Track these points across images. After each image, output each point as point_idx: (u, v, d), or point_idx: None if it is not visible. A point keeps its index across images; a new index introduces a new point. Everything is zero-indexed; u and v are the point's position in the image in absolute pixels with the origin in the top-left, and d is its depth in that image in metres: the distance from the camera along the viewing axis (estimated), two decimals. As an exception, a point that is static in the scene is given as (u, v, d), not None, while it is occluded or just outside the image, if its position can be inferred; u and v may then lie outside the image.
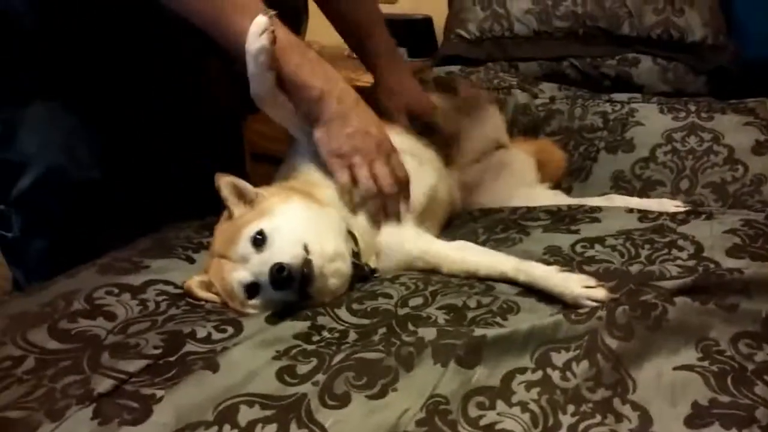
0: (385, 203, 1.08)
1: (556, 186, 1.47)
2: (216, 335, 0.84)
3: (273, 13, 0.99)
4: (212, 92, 1.37)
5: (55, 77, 1.16)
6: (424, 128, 1.29)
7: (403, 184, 1.10)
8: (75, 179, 1.19)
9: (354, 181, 1.06)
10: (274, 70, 1.00)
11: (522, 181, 1.42)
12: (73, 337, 0.83)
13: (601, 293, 0.88)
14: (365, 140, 1.06)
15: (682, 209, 1.21)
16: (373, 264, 1.05)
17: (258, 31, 0.97)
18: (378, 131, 1.08)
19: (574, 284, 0.90)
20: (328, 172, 1.08)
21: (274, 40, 0.98)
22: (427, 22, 2.37)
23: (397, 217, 1.09)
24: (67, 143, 1.18)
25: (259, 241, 0.93)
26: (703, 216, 1.12)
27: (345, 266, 0.96)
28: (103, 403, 0.72)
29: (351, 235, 1.01)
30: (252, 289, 0.92)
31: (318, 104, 1.04)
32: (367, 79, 1.53)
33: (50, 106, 1.16)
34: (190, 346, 0.82)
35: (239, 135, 1.60)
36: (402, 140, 1.17)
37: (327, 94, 1.04)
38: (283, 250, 0.90)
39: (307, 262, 0.89)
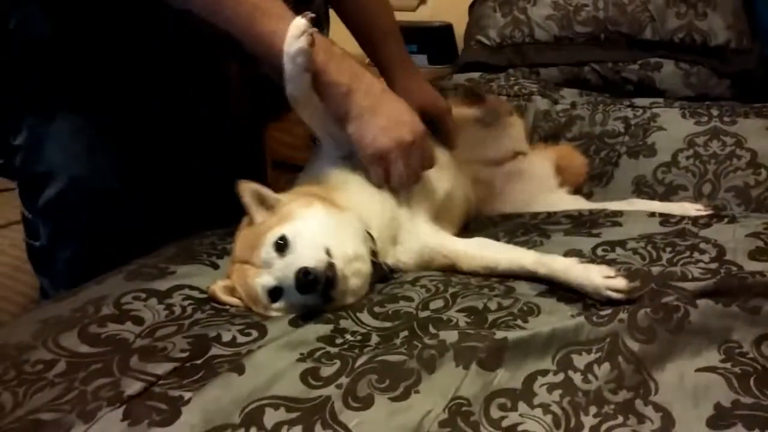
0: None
1: (578, 191, 1.47)
2: (241, 338, 0.86)
3: (311, 15, 1.01)
4: (232, 99, 1.39)
5: (76, 90, 1.19)
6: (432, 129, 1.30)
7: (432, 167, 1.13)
8: (98, 189, 1.21)
9: (387, 177, 1.08)
10: (310, 72, 1.02)
11: (542, 187, 1.43)
12: (102, 341, 0.86)
13: (621, 283, 0.88)
14: (399, 130, 1.07)
15: (704, 213, 1.21)
16: (391, 259, 1.06)
17: (297, 33, 0.99)
18: (410, 117, 1.09)
19: (595, 275, 0.90)
20: (348, 175, 1.10)
21: (312, 42, 1.00)
22: (448, 29, 2.38)
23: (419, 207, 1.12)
24: (90, 154, 1.20)
25: (282, 246, 0.94)
26: (726, 219, 1.12)
27: (365, 267, 0.98)
28: (132, 405, 0.73)
29: (369, 235, 1.02)
30: (275, 293, 0.94)
31: (346, 100, 1.05)
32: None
33: (73, 118, 1.19)
34: (215, 350, 0.83)
35: (260, 143, 1.62)
36: None
37: (354, 89, 1.05)
38: (307, 254, 0.91)
39: (330, 266, 0.90)
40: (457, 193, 1.24)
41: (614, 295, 0.87)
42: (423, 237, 1.09)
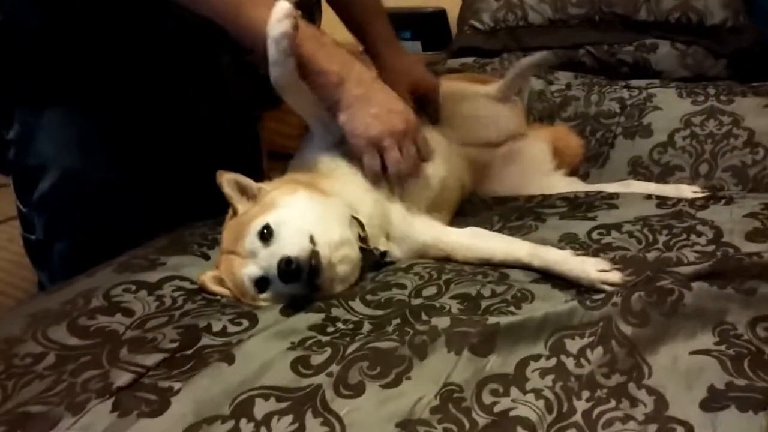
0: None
1: (573, 173, 1.46)
2: (231, 328, 0.85)
3: (294, 0, 1.00)
4: (225, 90, 1.37)
5: (67, 81, 1.18)
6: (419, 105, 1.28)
7: (428, 160, 1.11)
8: (92, 181, 1.21)
9: (382, 165, 1.06)
10: (295, 56, 1.00)
11: (538, 169, 1.41)
12: (92, 333, 0.85)
13: (616, 276, 0.87)
14: (392, 119, 1.05)
15: (700, 195, 1.19)
16: (383, 247, 1.05)
17: (280, 16, 0.97)
18: (402, 107, 1.08)
19: (590, 268, 0.89)
20: (338, 162, 1.09)
21: (296, 26, 0.98)
22: (441, 14, 2.36)
23: (413, 202, 1.11)
24: (83, 146, 1.20)
25: (266, 235, 0.93)
26: (723, 201, 1.11)
27: (352, 252, 0.97)
28: (122, 396, 0.73)
29: (357, 221, 1.01)
30: (262, 283, 0.93)
31: (337, 89, 1.04)
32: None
33: (64, 110, 1.18)
34: (206, 340, 0.83)
35: (255, 133, 1.61)
36: None
37: (345, 78, 1.04)
38: (290, 243, 0.90)
39: (314, 254, 0.89)
40: (451, 181, 1.23)
41: (609, 288, 0.86)
42: (416, 233, 1.07)
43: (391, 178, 1.07)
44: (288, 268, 0.87)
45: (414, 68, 1.33)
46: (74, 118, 1.19)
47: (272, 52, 0.98)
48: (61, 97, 1.18)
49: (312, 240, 0.91)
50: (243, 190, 1.02)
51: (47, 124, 1.18)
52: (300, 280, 0.88)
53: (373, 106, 1.05)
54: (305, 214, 0.96)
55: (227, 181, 1.01)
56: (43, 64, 1.16)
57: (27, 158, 1.20)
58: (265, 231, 0.93)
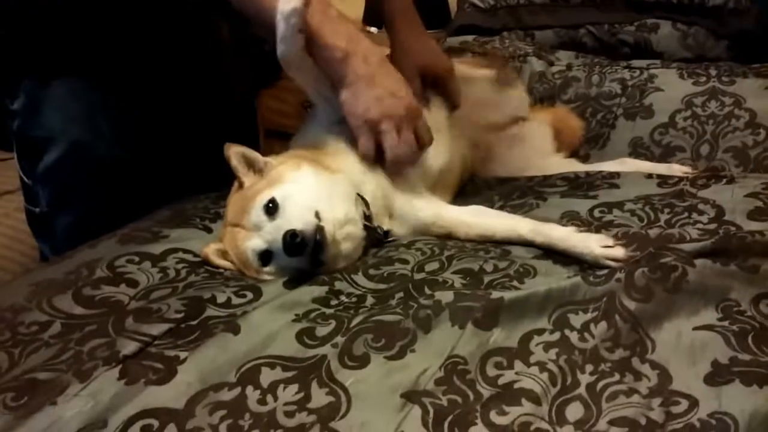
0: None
1: (573, 154, 1.46)
2: (236, 300, 0.85)
3: None
4: (224, 64, 1.36)
5: (72, 53, 1.16)
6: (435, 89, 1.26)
7: (426, 147, 1.09)
8: (99, 155, 1.20)
9: (379, 148, 1.05)
10: (304, 33, 0.99)
11: (539, 152, 1.42)
12: (97, 302, 0.85)
13: (620, 252, 0.88)
14: (393, 104, 1.04)
15: (690, 173, 1.20)
16: (386, 226, 1.05)
17: None
18: (406, 92, 1.07)
19: (594, 244, 0.90)
20: (342, 141, 1.08)
21: (307, 2, 0.97)
22: (441, -8, 2.34)
23: (413, 183, 1.09)
24: (91, 119, 1.19)
25: (272, 209, 0.93)
26: (724, 180, 1.11)
27: (357, 230, 0.97)
28: (129, 364, 0.73)
29: (362, 198, 1.01)
30: (265, 256, 0.93)
31: (342, 65, 1.02)
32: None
33: (72, 83, 1.17)
34: (210, 311, 0.83)
35: (253, 111, 1.60)
36: None
37: (351, 54, 1.02)
38: (296, 216, 0.90)
39: (319, 229, 0.89)
40: (454, 162, 1.23)
41: (613, 264, 0.87)
42: (418, 211, 1.07)
43: (387, 163, 1.06)
44: (293, 241, 0.87)
45: (428, 49, 1.29)
46: (80, 91, 1.18)
47: (281, 27, 0.98)
48: (68, 69, 1.16)
49: (317, 216, 0.91)
50: (250, 164, 1.02)
51: (54, 95, 1.17)
52: (304, 254, 0.89)
53: (376, 88, 1.03)
54: (311, 190, 0.96)
55: (235, 153, 1.01)
56: (49, 35, 1.15)
57: (32, 130, 1.20)
58: (271, 205, 0.93)
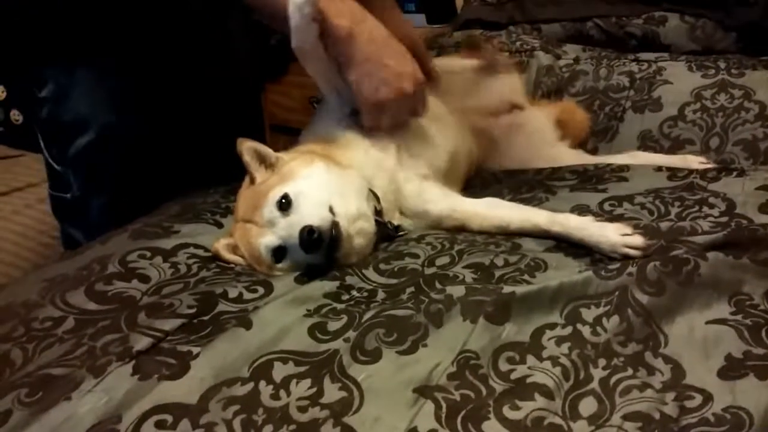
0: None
1: (581, 147, 1.46)
2: (247, 295, 0.86)
3: None
4: (234, 53, 1.37)
5: (97, 39, 1.18)
6: None
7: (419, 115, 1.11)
8: (127, 135, 1.22)
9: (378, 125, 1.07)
10: (318, 22, 0.99)
11: (542, 141, 1.41)
12: (109, 298, 0.86)
13: (638, 240, 0.87)
14: (401, 81, 1.03)
15: (708, 166, 1.19)
16: (396, 221, 1.05)
17: None
18: (413, 68, 1.06)
19: (611, 233, 0.89)
20: (352, 134, 1.08)
21: None
22: (447, -15, 2.33)
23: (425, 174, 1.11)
24: (116, 102, 1.21)
25: (285, 205, 0.93)
26: (735, 173, 1.10)
27: (369, 225, 0.97)
28: (142, 360, 0.73)
29: (373, 194, 1.01)
30: (279, 253, 0.93)
31: (348, 45, 1.02)
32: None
33: (97, 67, 1.19)
34: (222, 306, 0.83)
35: (259, 105, 1.60)
36: None
37: (356, 33, 1.01)
38: (311, 212, 0.91)
39: (335, 225, 0.90)
40: (460, 152, 1.23)
41: (632, 252, 0.86)
42: (431, 206, 1.07)
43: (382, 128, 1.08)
44: (310, 237, 0.87)
45: (406, 35, 1.27)
46: (104, 77, 1.20)
47: (295, 17, 0.97)
48: (92, 55, 1.18)
49: (331, 211, 0.91)
50: (261, 159, 1.02)
51: (81, 81, 1.20)
52: (320, 250, 0.89)
53: (384, 69, 1.03)
54: (324, 185, 0.96)
55: (247, 148, 1.01)
56: (73, 21, 1.16)
57: (62, 115, 1.22)
58: (284, 201, 0.93)
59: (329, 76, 1.07)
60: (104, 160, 1.23)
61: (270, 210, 0.94)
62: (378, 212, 1.01)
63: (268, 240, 0.93)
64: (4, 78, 2.11)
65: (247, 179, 1.03)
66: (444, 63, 1.38)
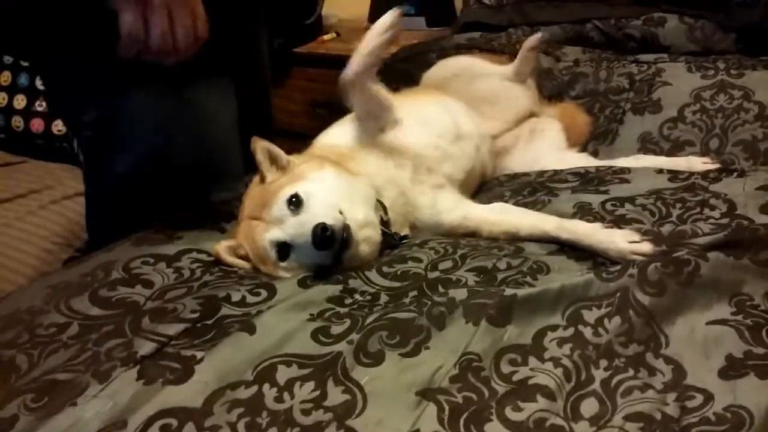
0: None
1: (582, 150, 1.46)
2: (250, 299, 0.86)
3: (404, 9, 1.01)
4: (258, 56, 1.37)
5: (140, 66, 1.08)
6: None
7: (199, 43, 1.00)
8: (171, 163, 1.15)
9: (145, 28, 0.94)
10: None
11: (551, 146, 1.42)
12: (113, 303, 0.86)
13: (647, 247, 0.88)
14: None
15: (711, 166, 1.20)
16: (403, 232, 1.06)
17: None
18: None
19: (620, 239, 0.90)
20: (365, 145, 1.08)
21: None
22: (446, -11, 2.34)
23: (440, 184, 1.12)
24: (161, 128, 1.15)
25: (295, 203, 0.94)
26: (735, 174, 1.11)
27: (375, 233, 0.98)
28: (146, 365, 0.74)
29: (381, 204, 1.02)
30: (283, 249, 0.93)
31: None
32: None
33: (142, 93, 1.13)
34: (225, 310, 0.84)
35: (270, 108, 1.60)
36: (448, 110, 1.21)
37: None
38: (324, 212, 0.91)
39: (347, 227, 0.90)
40: (477, 165, 1.24)
41: (639, 258, 0.86)
42: (443, 218, 1.08)
43: (155, 50, 0.96)
44: (323, 234, 0.88)
45: None
46: (153, 101, 1.13)
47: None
48: (137, 78, 1.11)
49: (341, 214, 0.92)
50: (273, 160, 1.02)
51: (127, 107, 1.13)
52: (331, 249, 0.89)
53: None
54: (334, 189, 0.97)
55: (261, 147, 1.02)
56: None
57: (106, 141, 1.16)
58: (294, 200, 0.94)
59: (370, 106, 1.08)
60: (145, 187, 1.15)
61: (279, 207, 0.95)
62: (384, 222, 1.01)
63: (273, 234, 0.94)
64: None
65: (256, 178, 1.04)
66: (478, 67, 1.40)
